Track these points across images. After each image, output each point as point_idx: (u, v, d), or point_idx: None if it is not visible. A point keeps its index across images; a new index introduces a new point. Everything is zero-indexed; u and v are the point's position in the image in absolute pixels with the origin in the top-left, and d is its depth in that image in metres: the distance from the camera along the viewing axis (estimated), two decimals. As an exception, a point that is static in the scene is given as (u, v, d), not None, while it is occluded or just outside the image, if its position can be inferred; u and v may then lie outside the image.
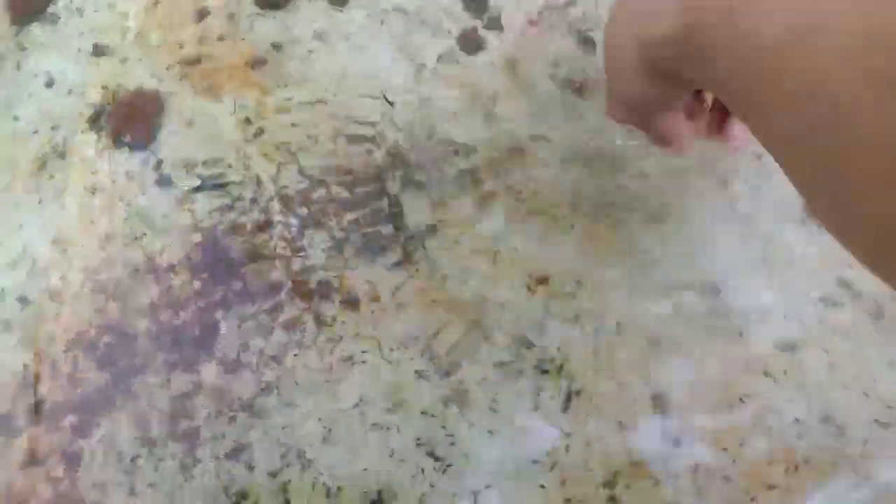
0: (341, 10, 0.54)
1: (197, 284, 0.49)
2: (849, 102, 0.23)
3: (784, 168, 0.29)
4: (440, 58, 0.53)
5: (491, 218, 0.50)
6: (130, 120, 0.52)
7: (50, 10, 0.53)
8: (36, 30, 0.53)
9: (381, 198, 0.51)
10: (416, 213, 0.50)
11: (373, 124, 0.52)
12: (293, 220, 0.50)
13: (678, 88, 0.37)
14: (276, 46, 0.54)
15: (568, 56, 0.53)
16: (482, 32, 0.54)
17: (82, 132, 0.52)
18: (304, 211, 0.51)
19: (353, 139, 0.52)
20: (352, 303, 0.48)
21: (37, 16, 0.53)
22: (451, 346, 0.48)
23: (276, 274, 0.49)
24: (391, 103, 0.52)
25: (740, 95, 0.29)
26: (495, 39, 0.54)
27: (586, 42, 0.53)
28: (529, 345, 0.47)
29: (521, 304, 0.48)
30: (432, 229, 0.50)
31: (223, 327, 0.48)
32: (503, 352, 0.47)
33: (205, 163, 0.51)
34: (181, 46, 0.54)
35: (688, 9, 0.30)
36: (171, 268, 0.50)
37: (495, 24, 0.54)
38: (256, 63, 0.53)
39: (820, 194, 0.26)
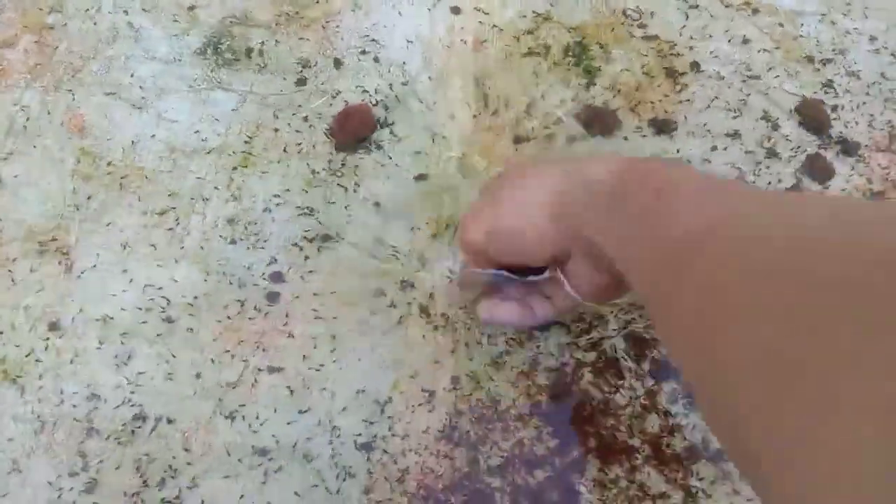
0: (670, 138, 0.52)
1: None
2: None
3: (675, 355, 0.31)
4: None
5: None
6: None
7: (373, 137, 0.53)
8: (362, 158, 0.52)
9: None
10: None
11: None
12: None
13: (570, 240, 0.37)
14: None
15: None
16: (829, 157, 0.51)
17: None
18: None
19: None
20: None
21: (360, 144, 0.52)
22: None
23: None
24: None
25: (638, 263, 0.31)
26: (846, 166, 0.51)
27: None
28: None
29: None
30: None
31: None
32: None
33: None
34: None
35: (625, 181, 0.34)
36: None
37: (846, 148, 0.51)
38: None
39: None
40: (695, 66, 0.53)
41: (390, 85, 0.53)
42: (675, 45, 0.54)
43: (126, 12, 0.53)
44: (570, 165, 0.37)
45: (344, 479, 0.47)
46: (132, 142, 0.51)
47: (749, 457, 0.21)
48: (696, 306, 0.25)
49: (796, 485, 0.19)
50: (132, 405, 0.47)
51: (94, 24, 0.53)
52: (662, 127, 0.52)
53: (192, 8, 0.53)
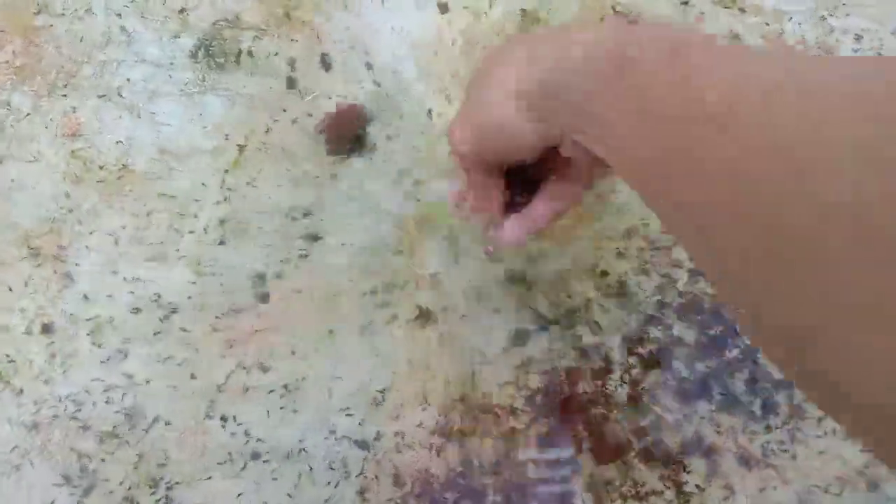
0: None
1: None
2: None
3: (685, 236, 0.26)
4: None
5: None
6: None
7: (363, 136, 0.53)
8: (350, 150, 0.53)
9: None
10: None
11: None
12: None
13: (547, 136, 0.34)
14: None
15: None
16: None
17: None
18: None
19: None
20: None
21: (350, 144, 0.52)
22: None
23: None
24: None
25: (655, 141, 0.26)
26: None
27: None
28: None
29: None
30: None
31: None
32: None
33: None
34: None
35: (624, 43, 0.28)
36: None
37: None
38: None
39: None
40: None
41: (379, 84, 0.53)
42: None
43: (119, 15, 0.54)
44: (546, 46, 0.32)
45: (337, 479, 0.47)
46: (125, 145, 0.51)
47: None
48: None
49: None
50: (126, 406, 0.48)
51: (85, 27, 0.53)
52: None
53: (182, 11, 0.53)
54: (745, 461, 0.47)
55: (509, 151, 0.36)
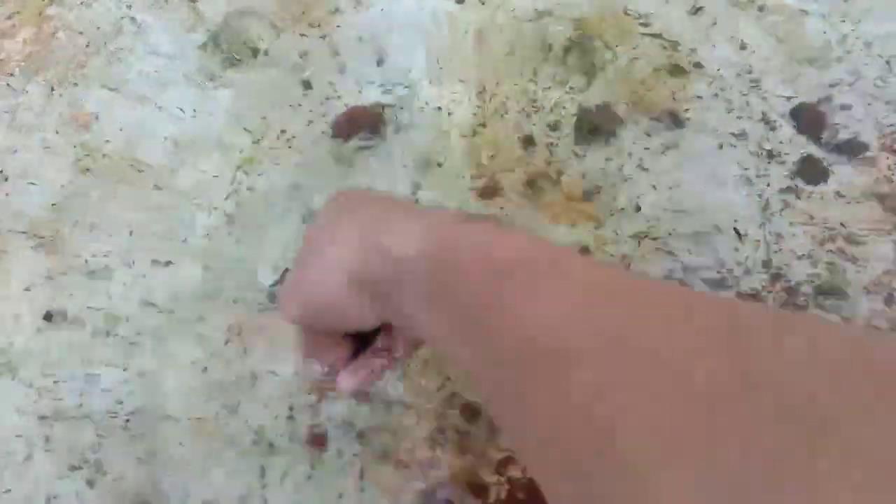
0: (675, 135, 0.52)
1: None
2: None
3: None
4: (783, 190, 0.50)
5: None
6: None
7: (379, 128, 0.52)
8: (362, 148, 0.52)
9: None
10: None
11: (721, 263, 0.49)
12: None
13: (375, 311, 0.32)
14: (606, 175, 0.51)
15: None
16: (827, 159, 0.51)
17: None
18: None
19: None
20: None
21: (362, 134, 0.52)
22: None
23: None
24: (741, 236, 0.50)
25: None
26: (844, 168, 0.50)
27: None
28: None
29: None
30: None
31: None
32: None
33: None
34: (512, 171, 0.52)
35: (447, 257, 0.27)
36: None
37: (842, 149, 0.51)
38: (586, 195, 0.51)
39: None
40: (697, 65, 0.53)
41: (393, 81, 0.53)
42: (679, 43, 0.53)
43: (129, 7, 0.53)
44: (371, 231, 0.31)
45: (342, 468, 0.47)
46: (135, 137, 0.51)
47: None
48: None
49: None
50: (133, 399, 0.48)
51: (97, 17, 0.53)
52: (669, 124, 0.52)
53: (194, 2, 0.53)
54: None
55: (342, 325, 0.35)
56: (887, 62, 0.52)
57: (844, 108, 0.51)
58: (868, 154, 0.50)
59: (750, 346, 0.19)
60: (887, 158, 0.50)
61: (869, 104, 0.51)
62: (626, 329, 0.21)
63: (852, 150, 0.51)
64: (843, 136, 0.51)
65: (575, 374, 0.21)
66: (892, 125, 0.51)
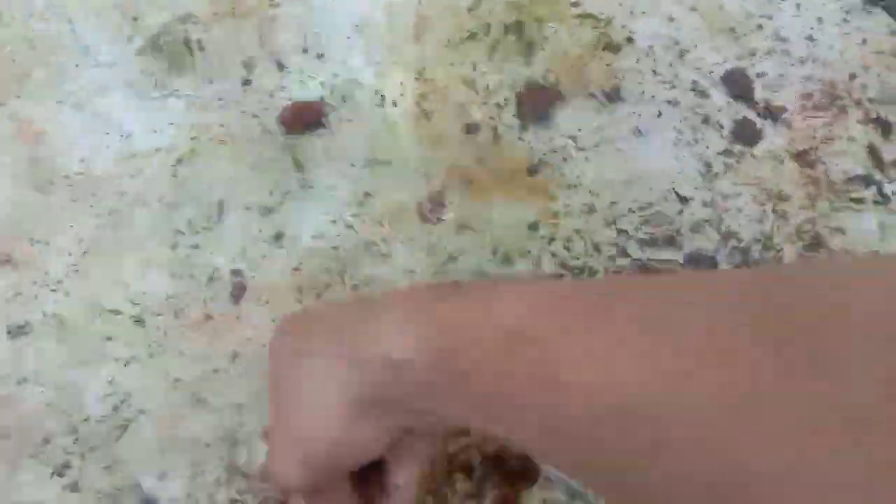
0: (614, 109, 0.54)
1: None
2: None
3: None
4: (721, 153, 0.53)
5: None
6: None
7: (323, 122, 0.54)
8: (311, 141, 0.53)
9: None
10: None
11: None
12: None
13: (387, 425, 0.29)
14: (549, 152, 0.53)
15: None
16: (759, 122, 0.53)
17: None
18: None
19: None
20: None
21: (310, 128, 0.53)
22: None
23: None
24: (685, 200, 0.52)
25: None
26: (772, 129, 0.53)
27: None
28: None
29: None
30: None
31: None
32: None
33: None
34: (455, 156, 0.53)
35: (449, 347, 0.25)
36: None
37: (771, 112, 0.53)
38: (532, 169, 0.53)
39: None
40: (629, 40, 0.55)
41: (334, 73, 0.54)
42: (611, 20, 0.55)
43: (69, 20, 0.54)
44: (357, 348, 0.28)
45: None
46: (83, 148, 0.52)
47: None
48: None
49: None
50: (107, 407, 0.48)
51: (34, 30, 0.53)
52: (605, 100, 0.54)
53: (135, 18, 0.54)
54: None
55: (353, 462, 0.31)
56: (811, 25, 0.55)
57: (761, 75, 0.54)
58: (785, 116, 0.53)
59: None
60: (804, 120, 0.53)
61: (783, 73, 0.54)
62: (683, 366, 0.20)
63: (778, 111, 0.53)
64: (768, 98, 0.54)
65: (673, 432, 0.20)
66: (808, 90, 0.54)
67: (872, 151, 0.53)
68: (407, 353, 0.26)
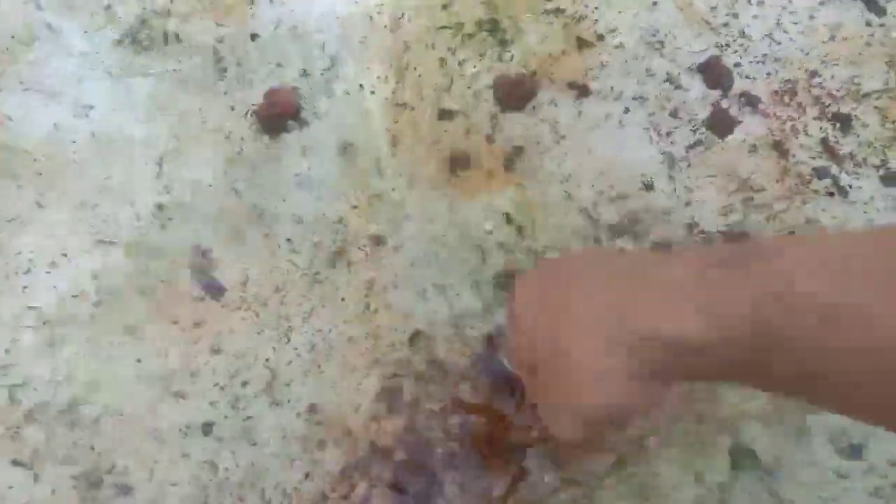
0: (581, 103, 0.55)
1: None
2: None
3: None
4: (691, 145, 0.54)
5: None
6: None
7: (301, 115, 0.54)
8: (288, 137, 0.53)
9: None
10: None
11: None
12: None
13: (665, 388, 0.31)
14: (524, 144, 0.54)
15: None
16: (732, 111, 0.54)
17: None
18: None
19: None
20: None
21: (288, 124, 0.53)
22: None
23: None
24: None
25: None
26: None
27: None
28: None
29: None
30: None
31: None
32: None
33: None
34: (435, 144, 0.54)
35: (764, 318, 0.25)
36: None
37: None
38: (507, 161, 0.54)
39: None
40: (600, 36, 0.56)
41: (311, 64, 0.54)
42: (584, 16, 0.56)
43: (40, 8, 0.53)
44: (640, 321, 0.28)
45: (289, 444, 0.48)
46: (55, 136, 0.51)
47: None
48: None
49: None
50: (71, 394, 0.48)
51: (8, 21, 0.53)
52: (579, 93, 0.55)
53: (108, 6, 0.54)
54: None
55: (626, 420, 0.32)
56: (776, 21, 0.56)
57: (737, 65, 0.55)
58: (761, 106, 0.55)
59: None
60: (778, 113, 0.55)
61: (759, 62, 0.55)
62: None
63: (749, 103, 0.55)
64: (742, 89, 0.55)
65: None
66: (782, 80, 0.55)
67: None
68: (687, 331, 0.26)
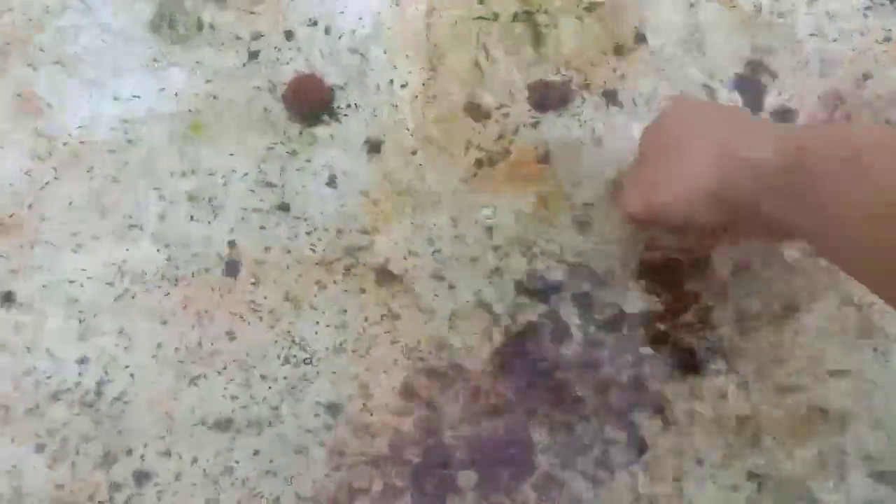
0: (620, 109, 0.53)
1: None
2: None
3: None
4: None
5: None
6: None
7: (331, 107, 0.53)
8: (318, 130, 0.53)
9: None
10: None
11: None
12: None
13: (721, 216, 0.38)
14: (557, 144, 0.53)
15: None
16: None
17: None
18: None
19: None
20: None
21: (318, 116, 0.53)
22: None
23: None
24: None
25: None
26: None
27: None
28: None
29: None
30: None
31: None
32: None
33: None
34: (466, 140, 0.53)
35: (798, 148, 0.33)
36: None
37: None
38: (539, 159, 0.53)
39: None
40: (641, 37, 0.54)
41: (343, 55, 0.53)
42: (624, 12, 0.54)
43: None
44: (729, 145, 0.36)
45: (308, 442, 0.49)
46: (86, 118, 0.51)
47: None
48: None
49: None
50: (94, 378, 0.48)
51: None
52: (613, 99, 0.53)
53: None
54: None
55: (678, 228, 0.42)
56: (817, 30, 0.54)
57: (773, 74, 0.53)
58: (799, 121, 0.53)
59: None
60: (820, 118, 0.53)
61: (797, 70, 0.53)
62: None
63: (784, 116, 0.53)
64: (778, 102, 0.53)
65: None
66: (820, 92, 0.53)
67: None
68: (768, 160, 0.34)
